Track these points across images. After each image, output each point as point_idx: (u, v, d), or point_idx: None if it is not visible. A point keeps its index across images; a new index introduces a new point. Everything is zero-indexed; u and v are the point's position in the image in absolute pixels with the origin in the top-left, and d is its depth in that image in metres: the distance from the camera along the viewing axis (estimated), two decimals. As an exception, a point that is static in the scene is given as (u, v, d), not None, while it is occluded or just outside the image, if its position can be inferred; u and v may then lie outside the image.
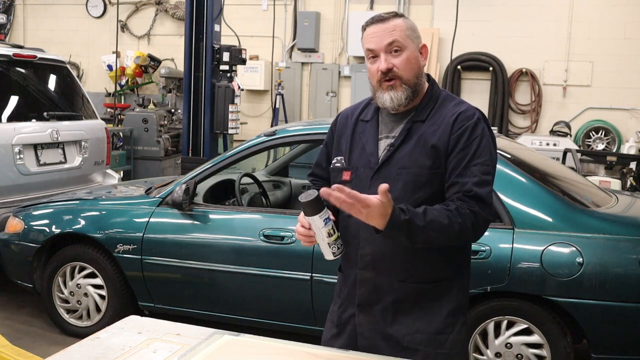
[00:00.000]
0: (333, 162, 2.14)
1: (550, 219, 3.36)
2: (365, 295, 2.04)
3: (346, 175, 2.07)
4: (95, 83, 11.11)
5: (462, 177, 1.91)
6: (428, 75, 2.10)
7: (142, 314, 2.81)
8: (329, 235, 1.94)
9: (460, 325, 2.05)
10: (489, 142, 1.96)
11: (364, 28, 2.03)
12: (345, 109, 2.27)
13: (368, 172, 2.03)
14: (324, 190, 1.76)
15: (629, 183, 6.86)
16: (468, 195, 1.88)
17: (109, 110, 9.81)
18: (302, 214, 1.96)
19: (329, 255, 1.98)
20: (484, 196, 1.89)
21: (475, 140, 1.93)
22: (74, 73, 6.78)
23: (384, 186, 1.74)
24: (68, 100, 6.06)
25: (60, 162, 5.65)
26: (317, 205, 1.90)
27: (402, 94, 1.97)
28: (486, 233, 2.01)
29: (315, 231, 1.94)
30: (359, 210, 1.74)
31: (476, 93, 9.22)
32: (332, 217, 1.94)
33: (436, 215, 1.84)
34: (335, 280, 3.50)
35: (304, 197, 1.90)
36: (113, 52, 10.04)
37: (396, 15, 2.01)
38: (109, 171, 6.30)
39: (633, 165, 7.07)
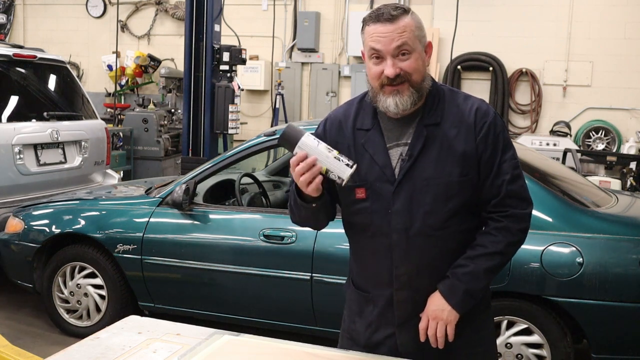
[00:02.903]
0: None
1: (550, 219, 3.35)
2: (405, 315, 1.94)
3: (360, 193, 1.89)
4: (95, 83, 11.11)
5: (496, 178, 1.87)
6: None
7: (142, 314, 2.80)
8: (329, 150, 1.75)
9: (490, 320, 2.08)
10: (506, 132, 1.93)
11: (367, 22, 1.84)
12: (333, 113, 2.04)
13: (387, 187, 1.86)
14: None
15: (629, 183, 6.86)
16: (504, 197, 1.87)
17: (109, 110, 9.81)
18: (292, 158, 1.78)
19: (345, 170, 1.73)
20: (518, 191, 1.89)
21: (499, 136, 1.88)
22: (74, 73, 6.78)
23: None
24: (68, 100, 6.06)
25: (60, 162, 5.65)
26: (298, 131, 1.74)
27: (408, 99, 1.82)
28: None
29: (313, 154, 1.73)
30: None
31: (476, 93, 9.14)
32: None
33: (485, 258, 1.87)
34: (336, 281, 3.49)
35: (280, 133, 1.76)
36: (113, 52, 10.04)
37: (404, 12, 1.82)
38: (109, 171, 6.30)
39: (633, 165, 7.07)
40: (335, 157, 1.74)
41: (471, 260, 1.87)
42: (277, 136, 3.98)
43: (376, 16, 1.81)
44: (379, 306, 1.96)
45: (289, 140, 1.75)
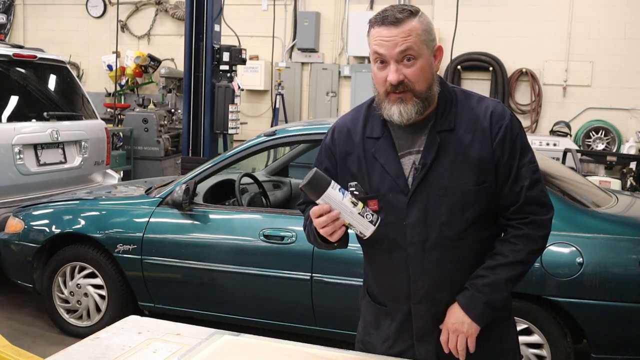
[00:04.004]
0: (350, 189, 1.82)
1: (550, 219, 3.35)
2: (423, 329, 1.88)
3: (373, 205, 1.80)
4: (95, 83, 11.11)
5: (514, 184, 1.79)
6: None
7: (142, 314, 2.80)
8: (354, 204, 1.68)
9: (512, 329, 2.01)
10: (524, 135, 1.84)
11: (372, 25, 1.75)
12: (341, 120, 1.95)
13: (400, 198, 1.79)
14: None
15: (629, 183, 6.86)
16: (524, 203, 1.80)
17: (109, 110, 9.81)
18: (314, 207, 1.71)
19: (368, 227, 1.70)
20: (538, 196, 1.81)
21: (516, 140, 1.79)
22: (74, 73, 6.77)
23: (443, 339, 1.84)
24: (68, 100, 6.06)
25: (60, 162, 5.65)
26: (322, 180, 1.66)
27: (412, 108, 1.73)
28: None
29: (337, 208, 1.67)
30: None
31: (476, 93, 9.21)
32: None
33: (506, 268, 1.79)
34: (336, 281, 3.49)
35: (305, 180, 1.65)
36: (113, 52, 10.04)
37: (411, 14, 1.72)
38: (109, 171, 6.30)
39: (633, 165, 7.07)
40: (359, 213, 1.68)
41: (491, 270, 1.80)
42: (277, 136, 3.99)
43: (381, 19, 1.73)
44: (397, 320, 1.90)
45: (314, 188, 1.66)
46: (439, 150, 1.77)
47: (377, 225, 1.70)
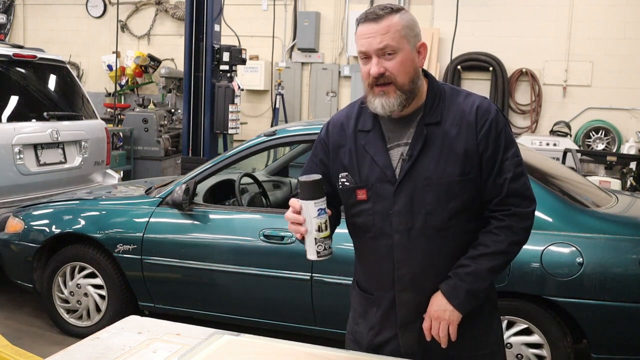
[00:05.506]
0: (341, 180, 1.94)
1: (550, 219, 3.35)
2: (407, 317, 1.93)
3: (362, 195, 1.90)
4: (95, 83, 11.11)
5: (498, 177, 1.85)
6: (424, 71, 1.92)
7: (142, 314, 2.80)
8: (319, 229, 1.78)
9: (496, 323, 2.05)
10: (509, 129, 1.90)
11: (357, 23, 1.84)
12: (335, 116, 2.06)
13: (388, 188, 1.86)
14: None
15: (629, 183, 6.86)
16: (506, 195, 1.85)
17: (109, 110, 9.81)
18: (294, 198, 1.82)
19: (312, 254, 1.81)
20: (521, 189, 1.87)
21: (501, 133, 1.85)
22: (74, 73, 6.77)
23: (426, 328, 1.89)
24: (68, 100, 6.06)
25: (60, 162, 5.65)
26: (316, 190, 1.74)
27: (394, 101, 1.81)
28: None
29: (305, 218, 1.77)
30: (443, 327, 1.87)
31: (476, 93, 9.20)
32: (328, 211, 1.80)
33: (488, 258, 1.85)
34: (336, 281, 3.50)
35: (305, 177, 1.75)
36: (113, 52, 10.04)
37: (392, 11, 1.80)
38: (109, 171, 6.30)
39: (633, 165, 7.06)
40: (315, 238, 1.79)
41: (473, 260, 1.86)
42: (277, 136, 3.99)
43: (364, 16, 1.82)
44: (382, 308, 1.96)
45: (309, 190, 1.76)
46: (425, 142, 1.85)
47: (319, 259, 1.81)
